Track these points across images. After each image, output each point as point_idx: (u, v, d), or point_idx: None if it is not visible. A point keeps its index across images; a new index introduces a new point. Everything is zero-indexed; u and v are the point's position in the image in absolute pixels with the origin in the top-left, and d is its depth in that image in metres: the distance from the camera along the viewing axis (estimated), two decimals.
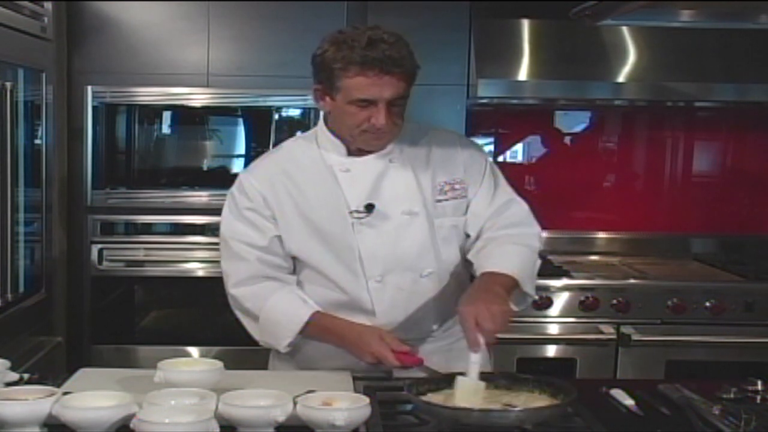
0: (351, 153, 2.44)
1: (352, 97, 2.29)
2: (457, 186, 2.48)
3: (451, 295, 2.44)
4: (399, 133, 2.42)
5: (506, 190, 2.58)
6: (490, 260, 2.38)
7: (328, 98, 2.36)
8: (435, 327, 2.49)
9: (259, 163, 2.55)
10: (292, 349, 2.49)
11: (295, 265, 2.51)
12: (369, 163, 2.43)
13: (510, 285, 2.33)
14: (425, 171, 2.47)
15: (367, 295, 2.42)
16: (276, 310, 2.43)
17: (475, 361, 2.09)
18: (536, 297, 2.51)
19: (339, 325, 2.42)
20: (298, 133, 3.13)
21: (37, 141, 3.48)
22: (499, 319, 2.14)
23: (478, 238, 2.50)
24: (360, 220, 2.39)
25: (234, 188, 2.49)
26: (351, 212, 2.40)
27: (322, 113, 2.52)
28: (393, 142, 2.43)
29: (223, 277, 2.52)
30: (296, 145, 2.54)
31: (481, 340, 2.10)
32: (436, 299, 2.46)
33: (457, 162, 2.51)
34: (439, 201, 2.46)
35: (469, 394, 2.03)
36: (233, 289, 2.48)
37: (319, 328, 2.43)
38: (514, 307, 2.38)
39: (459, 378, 2.06)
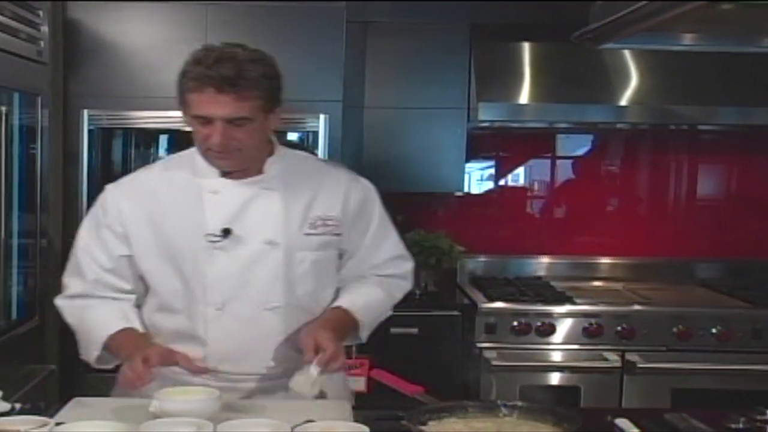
0: (224, 174, 2.38)
1: (191, 113, 2.26)
2: (330, 223, 2.44)
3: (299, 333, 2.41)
4: (253, 155, 2.35)
5: (397, 245, 2.61)
6: (348, 298, 2.46)
7: (183, 113, 2.33)
8: (273, 364, 2.39)
9: (129, 178, 2.51)
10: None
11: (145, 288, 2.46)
12: (239, 187, 2.38)
13: (351, 325, 2.44)
14: (299, 202, 2.42)
15: (203, 322, 2.36)
16: (91, 320, 2.37)
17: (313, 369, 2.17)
18: (365, 341, 2.56)
19: (131, 339, 2.32)
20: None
21: (33, 165, 3.45)
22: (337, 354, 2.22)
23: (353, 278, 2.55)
24: (214, 245, 2.34)
25: (98, 200, 2.45)
26: (207, 235, 2.33)
27: None
28: (272, 169, 2.40)
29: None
30: (172, 163, 2.50)
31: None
32: (279, 335, 2.39)
33: (337, 200, 2.47)
34: (307, 234, 2.42)
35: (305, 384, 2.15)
36: (59, 301, 2.43)
37: (119, 342, 2.32)
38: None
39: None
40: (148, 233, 2.37)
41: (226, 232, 2.33)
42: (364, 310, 2.45)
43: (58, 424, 1.98)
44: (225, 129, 2.22)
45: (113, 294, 2.40)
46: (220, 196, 2.36)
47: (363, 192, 2.54)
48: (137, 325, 2.37)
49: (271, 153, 2.43)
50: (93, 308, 2.38)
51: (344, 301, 2.44)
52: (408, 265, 2.62)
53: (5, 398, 2.16)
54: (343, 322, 2.39)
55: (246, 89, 2.21)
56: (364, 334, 2.50)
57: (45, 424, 1.94)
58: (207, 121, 2.23)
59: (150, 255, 2.38)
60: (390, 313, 2.60)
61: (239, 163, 2.34)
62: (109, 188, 2.45)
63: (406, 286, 2.62)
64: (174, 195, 2.39)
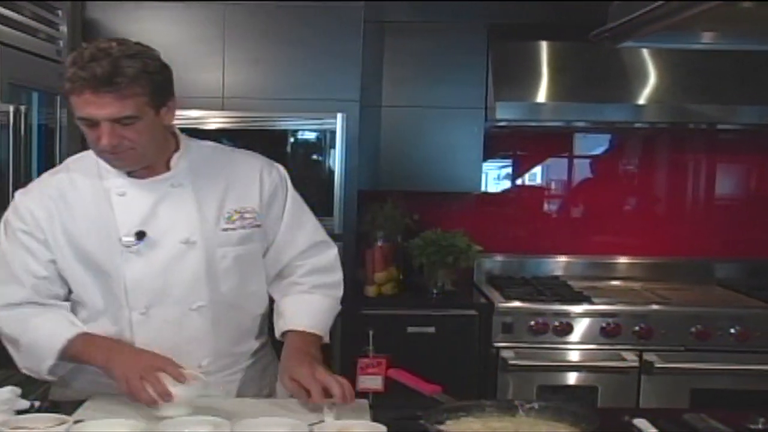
0: (131, 173, 2.28)
1: (77, 115, 2.14)
2: (247, 215, 2.36)
3: (226, 329, 2.38)
4: (151, 153, 2.24)
5: (316, 230, 2.51)
6: (299, 317, 2.40)
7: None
8: (205, 362, 2.34)
9: (36, 183, 2.39)
10: (65, 381, 2.37)
11: None
12: (147, 186, 2.29)
13: (319, 342, 2.40)
14: (213, 197, 2.34)
15: (128, 326, 2.30)
16: (38, 329, 2.26)
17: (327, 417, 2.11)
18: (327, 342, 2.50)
19: (108, 344, 2.25)
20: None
21: (51, 164, 3.45)
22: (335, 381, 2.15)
23: (280, 276, 2.49)
24: (129, 249, 2.26)
25: (9, 209, 2.34)
26: (120, 240, 2.26)
27: None
28: (180, 164, 2.32)
29: None
30: (78, 165, 2.36)
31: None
32: (208, 333, 2.35)
33: (252, 190, 2.39)
34: (225, 230, 2.34)
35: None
36: None
37: (83, 347, 2.24)
38: None
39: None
40: (63, 241, 2.28)
41: (140, 236, 2.26)
42: (318, 323, 2.41)
43: (76, 422, 1.98)
44: (112, 129, 2.12)
45: (51, 301, 2.32)
46: (128, 198, 2.28)
47: (276, 176, 2.44)
48: (83, 327, 2.29)
49: (177, 147, 2.34)
50: (37, 316, 2.28)
51: (294, 323, 2.38)
52: (332, 253, 2.52)
53: (24, 396, 2.17)
54: (311, 345, 2.34)
55: (125, 87, 2.08)
56: (325, 340, 2.46)
57: (64, 422, 1.95)
58: (92, 122, 2.12)
59: (68, 262, 2.30)
60: (339, 308, 2.54)
61: (136, 162, 2.24)
62: (19, 197, 2.34)
63: (336, 279, 2.53)
64: (82, 200, 2.30)
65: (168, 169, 2.31)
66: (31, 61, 3.20)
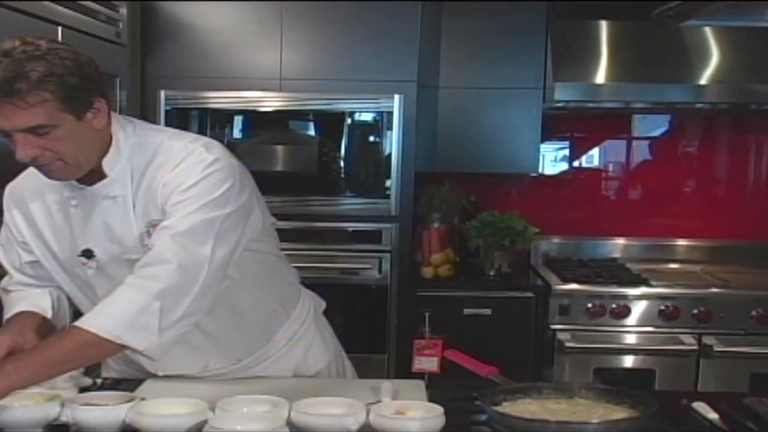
0: (80, 179, 2.05)
1: None
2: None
3: (227, 330, 2.24)
4: (84, 162, 1.99)
5: (179, 225, 2.00)
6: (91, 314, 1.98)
7: None
8: (225, 363, 2.29)
9: (20, 186, 2.20)
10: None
11: None
12: (89, 197, 2.07)
13: (82, 342, 1.92)
14: (139, 206, 2.07)
15: None
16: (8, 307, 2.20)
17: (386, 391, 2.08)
18: (141, 347, 1.93)
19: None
20: None
21: None
22: None
23: None
24: (86, 265, 2.11)
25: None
26: (78, 256, 2.12)
27: None
28: (114, 170, 2.05)
29: None
30: None
31: None
32: (210, 340, 2.22)
33: (164, 189, 2.04)
34: (146, 245, 2.04)
35: None
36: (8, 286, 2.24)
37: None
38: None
39: None
40: (42, 248, 2.18)
41: (88, 254, 2.10)
42: (102, 321, 1.91)
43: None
44: (26, 140, 1.88)
45: (46, 282, 2.23)
46: (78, 210, 2.10)
47: (188, 159, 2.04)
48: (45, 306, 2.17)
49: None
50: (22, 291, 2.22)
51: (81, 320, 1.97)
52: (165, 243, 1.98)
53: (86, 374, 2.20)
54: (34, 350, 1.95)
55: (28, 94, 1.83)
56: (128, 339, 1.92)
57: (131, 399, 1.97)
58: (7, 133, 1.89)
59: (51, 268, 2.19)
60: (157, 305, 1.93)
61: (68, 173, 2.00)
62: (7, 191, 2.21)
63: (156, 270, 1.96)
64: (52, 210, 2.14)
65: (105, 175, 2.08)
66: (92, 43, 3.22)
